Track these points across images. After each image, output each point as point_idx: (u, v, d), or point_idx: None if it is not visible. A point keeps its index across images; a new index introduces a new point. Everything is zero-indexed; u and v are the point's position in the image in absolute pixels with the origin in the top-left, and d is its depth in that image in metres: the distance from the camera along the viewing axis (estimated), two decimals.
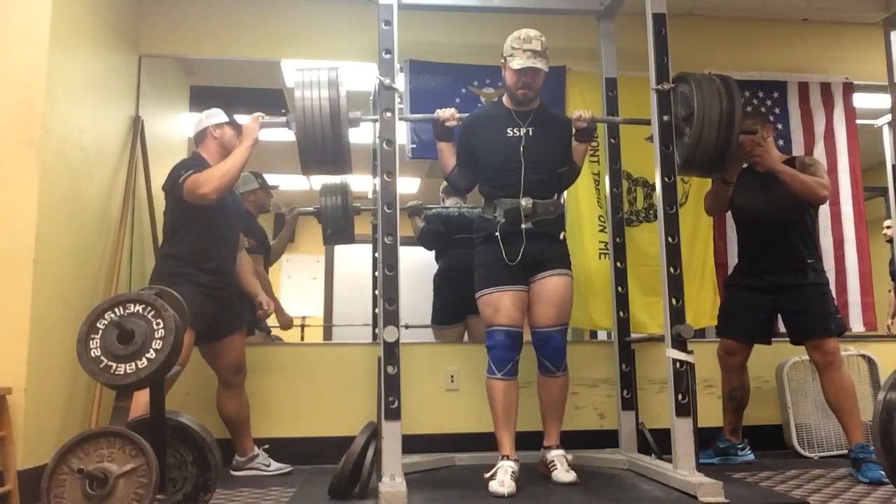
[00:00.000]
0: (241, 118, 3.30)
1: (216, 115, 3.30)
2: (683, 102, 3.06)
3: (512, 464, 2.80)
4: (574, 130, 3.11)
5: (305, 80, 2.86)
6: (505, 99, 3.12)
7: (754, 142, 3.28)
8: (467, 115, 3.14)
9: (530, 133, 3.00)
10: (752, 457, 3.50)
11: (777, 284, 3.29)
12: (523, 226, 2.92)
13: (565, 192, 4.04)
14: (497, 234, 2.93)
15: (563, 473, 2.86)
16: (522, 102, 3.04)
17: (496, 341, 2.92)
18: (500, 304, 2.92)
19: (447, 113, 3.05)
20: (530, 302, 3.00)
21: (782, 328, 3.51)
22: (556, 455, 2.94)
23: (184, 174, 3.01)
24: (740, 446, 3.51)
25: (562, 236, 3.09)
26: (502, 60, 3.03)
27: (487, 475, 2.77)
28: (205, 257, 3.10)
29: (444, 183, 3.88)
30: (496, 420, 2.93)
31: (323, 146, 2.85)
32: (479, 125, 3.09)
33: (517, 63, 2.93)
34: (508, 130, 3.01)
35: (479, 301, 3.01)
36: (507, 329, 2.91)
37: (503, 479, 2.70)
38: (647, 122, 3.39)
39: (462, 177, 3.13)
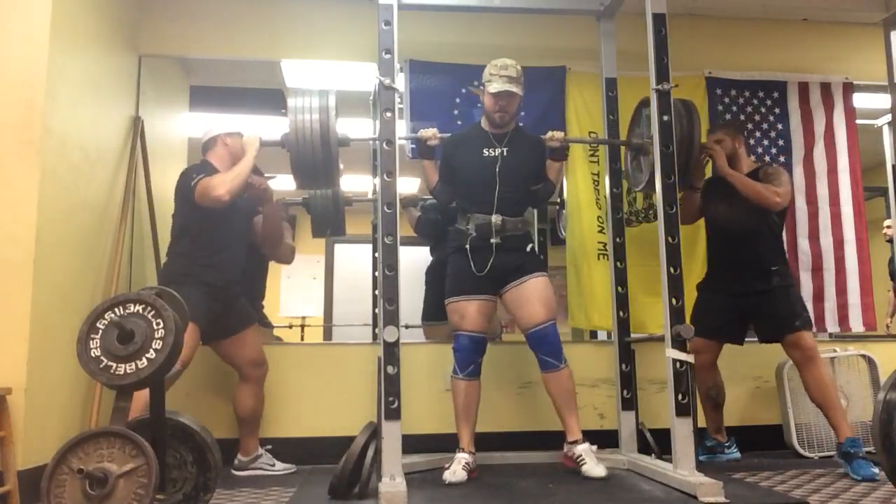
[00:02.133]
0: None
1: (228, 127, 3.37)
2: (647, 124, 3.26)
3: (467, 455, 3.03)
4: (548, 150, 3.29)
5: (298, 105, 2.99)
6: (483, 122, 3.31)
7: (710, 143, 3.44)
8: (448, 135, 3.37)
9: (505, 153, 3.19)
10: (737, 455, 3.58)
11: (743, 289, 3.39)
12: (492, 240, 3.09)
13: (566, 194, 4.07)
14: (467, 246, 3.12)
15: (593, 468, 2.94)
16: (499, 125, 3.23)
17: (461, 345, 3.14)
18: (466, 311, 3.14)
19: (429, 133, 3.27)
20: (513, 308, 3.17)
21: None
22: (584, 449, 3.03)
23: (195, 178, 3.10)
24: (727, 444, 3.59)
25: (529, 248, 3.23)
26: (482, 87, 3.24)
27: (446, 466, 2.99)
28: (212, 256, 3.18)
29: None
30: (457, 416, 3.13)
31: (314, 165, 3.00)
32: (458, 145, 3.31)
33: (494, 87, 3.14)
34: (484, 151, 3.21)
35: (447, 308, 3.22)
36: (470, 335, 3.13)
37: (455, 468, 2.95)
38: (622, 143, 3.57)
39: (444, 191, 3.34)
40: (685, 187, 3.48)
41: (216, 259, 3.19)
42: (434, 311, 4.15)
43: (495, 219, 3.11)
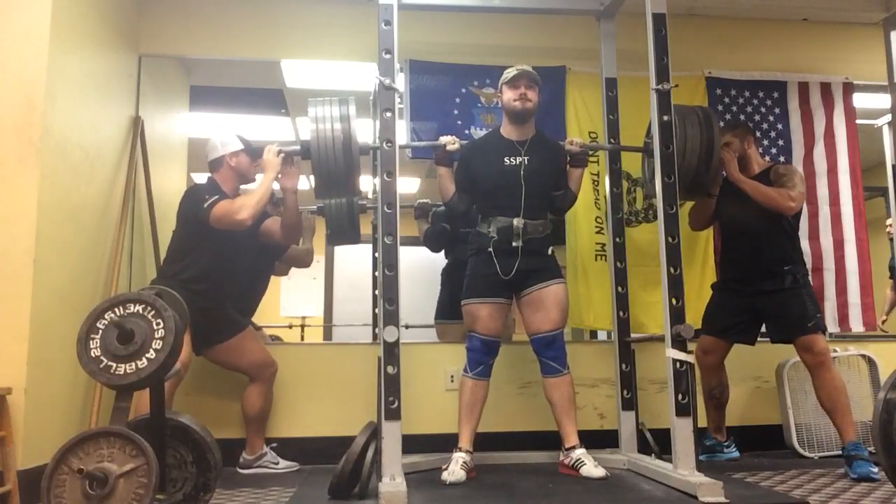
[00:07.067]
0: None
1: (232, 143, 3.35)
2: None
3: (464, 455, 3.02)
4: (568, 157, 3.28)
5: (319, 115, 3.00)
6: (503, 129, 3.26)
7: (722, 150, 3.40)
8: (466, 142, 3.34)
9: (526, 161, 3.15)
10: (736, 454, 3.59)
11: (756, 289, 3.38)
12: (514, 244, 3.08)
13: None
14: (490, 249, 3.11)
15: (592, 469, 2.96)
16: (522, 117, 3.17)
17: (472, 345, 3.16)
18: (478, 314, 3.14)
19: (448, 138, 3.25)
20: (529, 311, 3.16)
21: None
22: (581, 453, 3.04)
23: (209, 199, 3.11)
24: (726, 444, 3.60)
25: (549, 251, 3.22)
26: (499, 93, 3.22)
27: (444, 467, 2.97)
28: (200, 280, 3.19)
29: None
30: (460, 414, 3.13)
31: (336, 173, 3.01)
32: (477, 153, 3.27)
33: (510, 73, 3.15)
34: (506, 159, 3.17)
35: (462, 308, 3.21)
36: (481, 337, 3.14)
37: (454, 468, 2.94)
38: (639, 150, 3.54)
39: (462, 201, 3.28)
40: (703, 195, 3.48)
41: (204, 286, 3.19)
42: (448, 311, 4.15)
43: (517, 222, 3.09)
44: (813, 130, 4.22)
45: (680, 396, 2.76)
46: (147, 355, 2.05)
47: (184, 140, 4.73)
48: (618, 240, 3.59)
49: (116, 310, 2.10)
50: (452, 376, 3.72)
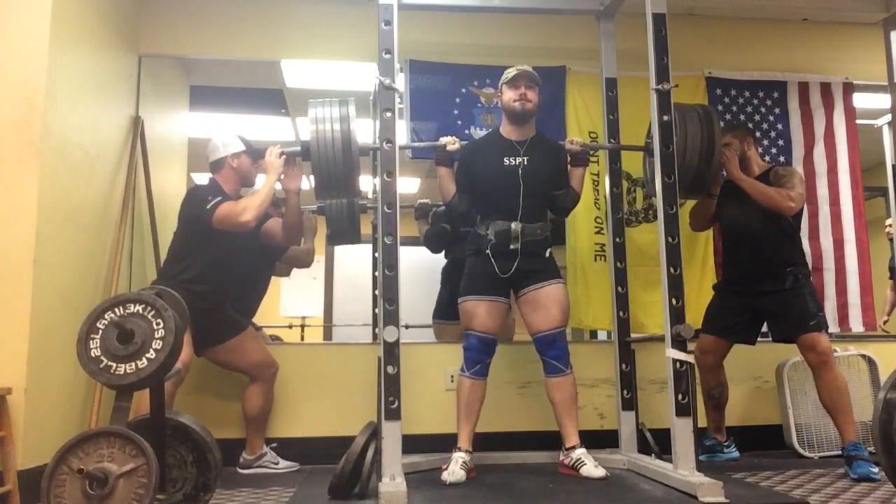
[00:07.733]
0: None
1: (233, 144, 3.35)
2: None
3: (464, 455, 3.02)
4: (569, 156, 3.28)
5: (319, 116, 3.00)
6: (502, 129, 3.26)
7: (723, 149, 3.39)
8: (467, 142, 3.34)
9: (526, 162, 3.15)
10: (736, 454, 3.59)
11: (756, 290, 3.38)
12: (512, 246, 3.10)
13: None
14: (488, 251, 3.12)
15: (592, 469, 2.96)
16: (522, 117, 3.17)
17: (469, 344, 3.15)
18: (476, 312, 3.14)
19: (449, 138, 3.25)
20: (529, 310, 3.16)
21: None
22: (582, 453, 3.04)
23: (212, 200, 3.10)
24: (726, 444, 3.59)
25: (548, 253, 3.22)
26: (499, 94, 3.22)
27: (444, 467, 2.97)
28: (201, 280, 3.18)
29: None
30: (459, 413, 3.12)
31: (336, 174, 3.01)
32: (477, 153, 3.27)
33: (511, 73, 3.15)
34: (505, 160, 3.17)
35: (459, 307, 3.21)
36: (479, 335, 3.13)
37: (454, 469, 2.94)
38: (640, 149, 3.54)
39: (462, 201, 3.28)
40: (704, 194, 3.48)
41: (205, 286, 3.19)
42: (446, 311, 4.14)
43: (515, 226, 3.10)
44: (813, 130, 4.22)
45: (680, 396, 2.76)
46: (147, 355, 2.05)
47: (184, 140, 4.74)
48: (618, 240, 3.58)
49: (116, 310, 2.10)
50: (452, 376, 3.71)
